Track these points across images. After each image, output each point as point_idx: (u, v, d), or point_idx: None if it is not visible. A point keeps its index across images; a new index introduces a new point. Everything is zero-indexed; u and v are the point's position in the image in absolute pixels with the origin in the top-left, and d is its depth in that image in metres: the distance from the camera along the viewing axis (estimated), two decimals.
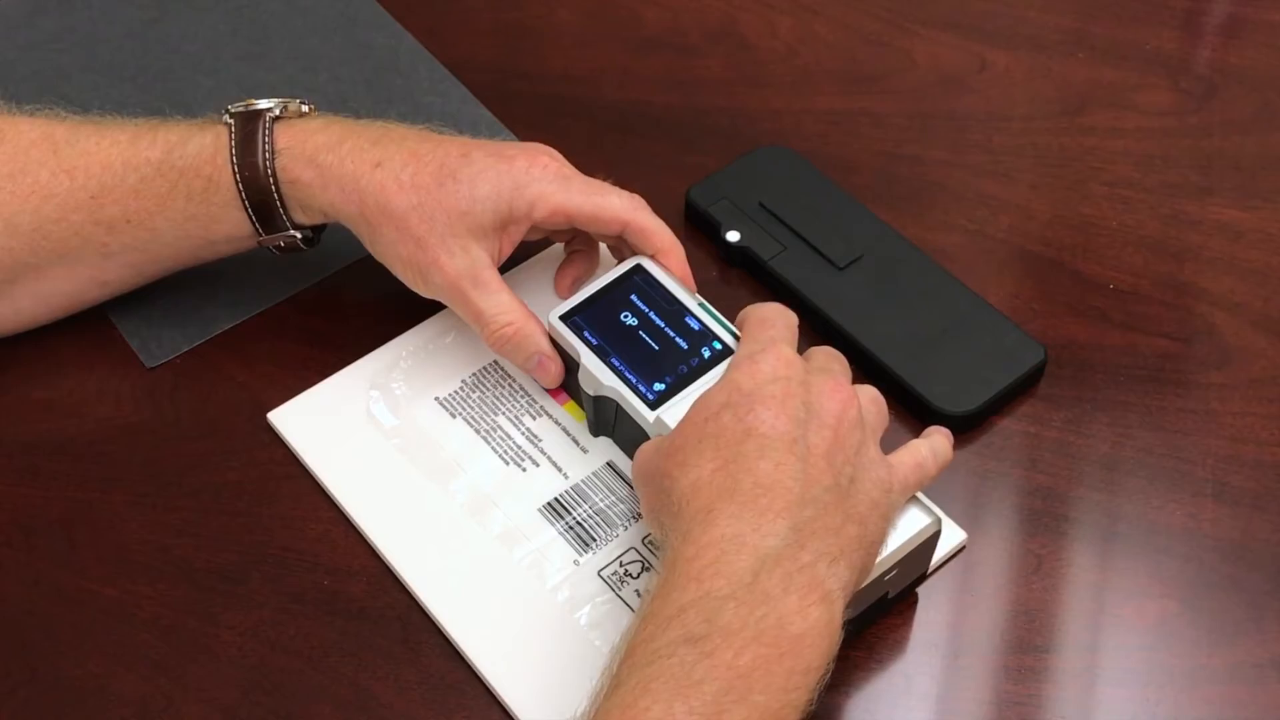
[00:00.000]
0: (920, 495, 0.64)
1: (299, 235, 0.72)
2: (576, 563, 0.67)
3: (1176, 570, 0.68)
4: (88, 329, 0.76)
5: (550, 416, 0.72)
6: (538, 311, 0.70)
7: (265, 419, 0.72)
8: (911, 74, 0.89)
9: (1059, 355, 0.75)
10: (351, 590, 0.67)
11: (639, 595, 0.66)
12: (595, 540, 0.68)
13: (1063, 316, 0.77)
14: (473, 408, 0.73)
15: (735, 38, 0.91)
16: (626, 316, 0.69)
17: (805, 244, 0.78)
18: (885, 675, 0.65)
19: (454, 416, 0.72)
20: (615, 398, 0.68)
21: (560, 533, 0.68)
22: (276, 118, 0.70)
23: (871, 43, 0.91)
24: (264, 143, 0.69)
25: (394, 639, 0.66)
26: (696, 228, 0.81)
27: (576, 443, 0.71)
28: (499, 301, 0.69)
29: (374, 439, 0.72)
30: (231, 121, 0.70)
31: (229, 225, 0.71)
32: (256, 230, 0.71)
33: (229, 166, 0.69)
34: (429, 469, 0.70)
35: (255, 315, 0.77)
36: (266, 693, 0.64)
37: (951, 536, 0.68)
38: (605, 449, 0.71)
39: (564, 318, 0.70)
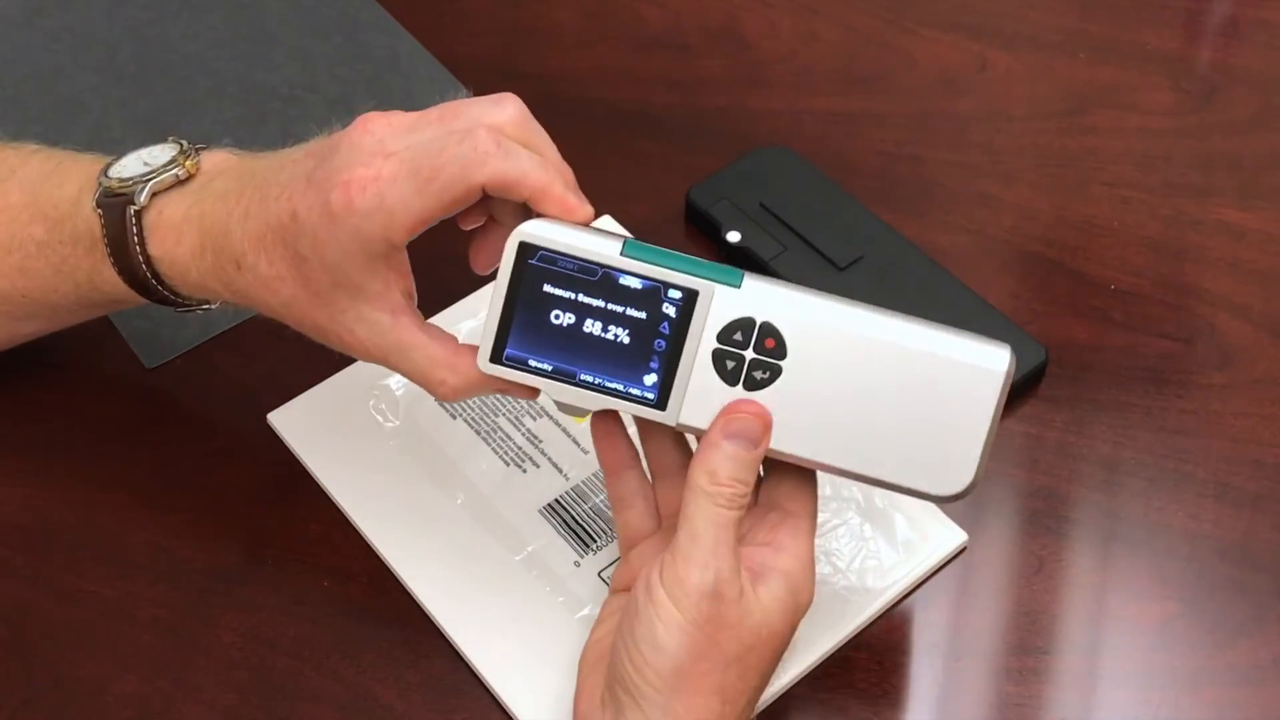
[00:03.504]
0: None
1: (214, 306, 0.66)
2: (577, 564, 0.67)
3: (1178, 571, 0.68)
4: (87, 329, 0.75)
5: (551, 417, 0.72)
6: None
7: (265, 419, 0.72)
8: (912, 74, 0.89)
9: (1059, 356, 0.75)
10: (352, 591, 0.67)
11: None
12: (595, 541, 0.68)
13: (1063, 317, 0.77)
14: (473, 409, 0.73)
15: (735, 38, 0.91)
16: (556, 316, 0.57)
17: (806, 244, 0.78)
18: (886, 676, 0.65)
19: (454, 417, 0.72)
20: (615, 409, 0.59)
21: (560, 534, 0.68)
22: (141, 209, 0.62)
23: (872, 43, 0.91)
24: (136, 250, 0.63)
25: (394, 640, 0.66)
26: (697, 228, 0.81)
27: (577, 443, 0.71)
28: (425, 358, 0.60)
29: (374, 440, 0.71)
30: (101, 213, 0.63)
31: (133, 302, 0.66)
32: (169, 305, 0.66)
33: (109, 265, 0.64)
34: (429, 470, 0.70)
35: (255, 315, 0.76)
36: (266, 694, 0.64)
37: (952, 538, 0.68)
38: None
39: (495, 361, 0.58)
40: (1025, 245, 0.80)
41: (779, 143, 0.84)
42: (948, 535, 0.68)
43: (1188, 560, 0.68)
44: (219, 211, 0.62)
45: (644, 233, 0.79)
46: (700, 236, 0.80)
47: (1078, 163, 0.84)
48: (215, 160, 0.64)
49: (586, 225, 0.57)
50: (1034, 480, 0.71)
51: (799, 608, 0.58)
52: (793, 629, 0.58)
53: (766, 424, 0.56)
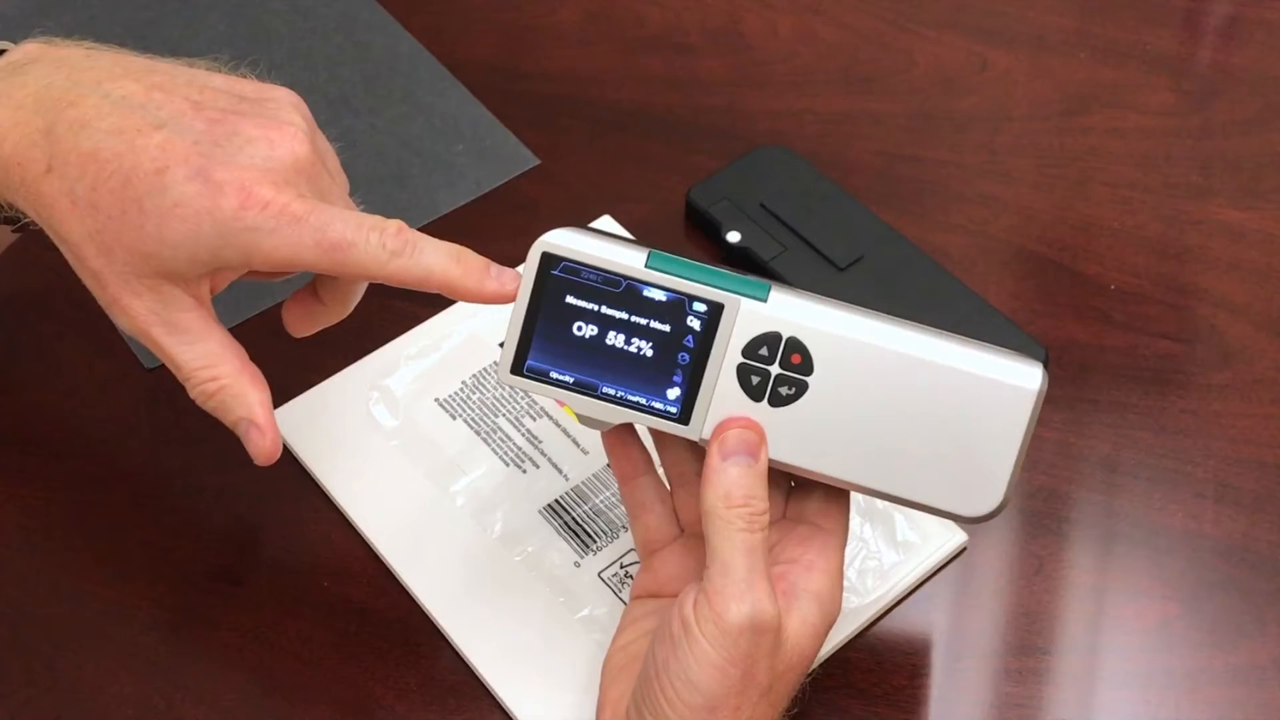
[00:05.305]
0: None
1: (31, 225, 0.59)
2: (577, 564, 0.67)
3: (1178, 572, 0.68)
4: (87, 329, 0.75)
5: (551, 418, 0.72)
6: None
7: None
8: (912, 74, 0.89)
9: (1060, 356, 0.75)
10: (351, 592, 0.67)
11: None
12: (595, 541, 0.68)
13: (1063, 317, 0.77)
14: (473, 409, 0.73)
15: (735, 38, 0.91)
16: (579, 328, 0.55)
17: (806, 244, 0.78)
18: (886, 677, 0.65)
19: (454, 418, 0.72)
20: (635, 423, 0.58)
21: (561, 534, 0.68)
22: None
23: (872, 43, 0.91)
24: None
25: (394, 641, 0.66)
26: (697, 228, 0.81)
27: (577, 444, 0.71)
28: (201, 352, 0.57)
29: (374, 440, 0.71)
30: None
31: None
32: None
33: None
34: (429, 470, 0.70)
35: (255, 315, 0.77)
36: (266, 695, 0.64)
37: (952, 539, 0.68)
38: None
39: (515, 372, 0.56)
40: (1025, 245, 0.80)
41: (779, 143, 0.84)
42: (947, 536, 0.68)
43: (1187, 560, 0.68)
44: (46, 89, 0.57)
45: (644, 233, 0.79)
46: (700, 236, 0.80)
47: (1078, 163, 0.84)
48: (26, 50, 0.60)
49: (598, 231, 0.56)
50: (1034, 480, 0.71)
51: (829, 626, 0.57)
52: (820, 646, 0.57)
53: (760, 432, 0.55)
